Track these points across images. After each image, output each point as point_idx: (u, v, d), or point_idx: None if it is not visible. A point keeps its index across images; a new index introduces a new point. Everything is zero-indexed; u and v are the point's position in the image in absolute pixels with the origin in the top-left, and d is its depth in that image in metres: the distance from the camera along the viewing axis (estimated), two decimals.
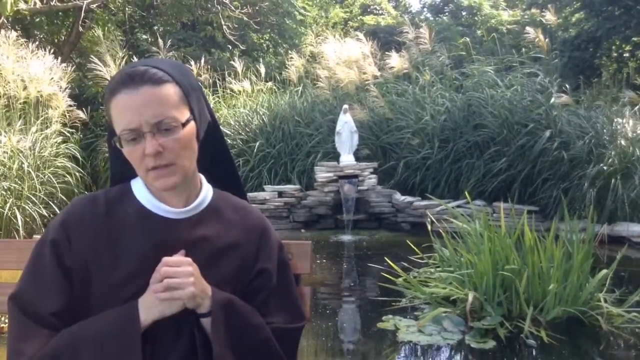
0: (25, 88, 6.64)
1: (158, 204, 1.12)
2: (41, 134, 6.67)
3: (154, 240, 1.10)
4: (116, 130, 1.06)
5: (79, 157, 7.40)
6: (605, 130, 6.76)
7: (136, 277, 1.07)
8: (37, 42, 7.19)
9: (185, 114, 1.07)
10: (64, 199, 6.39)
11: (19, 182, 5.95)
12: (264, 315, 1.15)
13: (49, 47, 7.49)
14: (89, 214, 1.11)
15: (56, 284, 1.06)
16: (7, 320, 3.47)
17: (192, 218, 1.14)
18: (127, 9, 11.41)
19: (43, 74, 6.79)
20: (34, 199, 5.96)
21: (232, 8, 10.79)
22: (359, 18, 20.23)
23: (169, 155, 1.05)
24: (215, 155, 1.24)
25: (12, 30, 6.99)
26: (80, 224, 1.09)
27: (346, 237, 6.72)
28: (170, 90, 1.06)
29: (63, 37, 11.12)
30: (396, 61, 8.55)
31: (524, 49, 8.88)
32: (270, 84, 9.66)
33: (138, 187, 1.15)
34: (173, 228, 1.11)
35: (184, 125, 1.06)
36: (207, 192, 1.18)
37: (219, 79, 9.34)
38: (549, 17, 8.17)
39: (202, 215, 1.15)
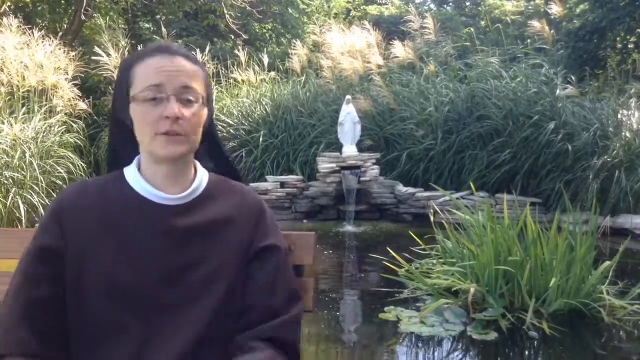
0: (24, 78, 6.62)
1: (152, 190, 1.11)
2: (44, 124, 6.66)
3: (149, 227, 1.09)
4: (134, 90, 1.08)
5: (82, 146, 7.40)
6: (610, 122, 6.73)
7: (131, 265, 1.06)
8: (39, 30, 7.14)
9: (204, 97, 1.12)
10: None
11: (21, 171, 5.94)
12: (264, 295, 1.12)
13: (51, 36, 7.44)
14: (82, 199, 1.10)
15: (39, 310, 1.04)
16: None
17: (188, 204, 1.13)
18: None
19: (47, 61, 6.77)
20: (36, 188, 5.96)
21: None
22: (362, 8, 20.11)
23: (185, 125, 1.07)
24: (210, 147, 1.25)
25: (14, 18, 6.95)
26: (73, 210, 1.08)
27: (348, 228, 6.72)
28: (199, 71, 1.12)
29: (65, 26, 11.08)
30: (400, 51, 8.50)
31: (528, 40, 8.83)
32: (273, 73, 9.62)
33: (131, 174, 1.14)
34: (169, 214, 1.10)
35: (203, 104, 1.11)
36: (202, 177, 1.18)
37: (221, 69, 9.31)
38: (553, 7, 8.11)
39: (197, 201, 1.14)
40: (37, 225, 1.12)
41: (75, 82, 7.51)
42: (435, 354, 3.09)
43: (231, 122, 8.58)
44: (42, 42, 6.97)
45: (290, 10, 14.58)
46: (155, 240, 1.08)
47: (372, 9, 19.76)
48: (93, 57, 8.00)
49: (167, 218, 1.10)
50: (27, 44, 6.79)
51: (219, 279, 1.11)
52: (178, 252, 1.09)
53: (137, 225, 1.09)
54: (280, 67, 9.80)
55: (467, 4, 21.49)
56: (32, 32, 6.96)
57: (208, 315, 1.08)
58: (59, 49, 7.19)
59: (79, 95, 7.49)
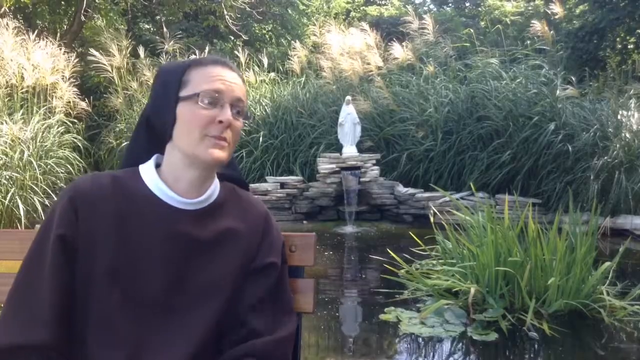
0: (22, 78, 6.62)
1: (167, 191, 1.11)
2: (43, 124, 6.66)
3: (158, 227, 1.09)
4: (189, 91, 1.11)
5: (82, 147, 7.40)
6: (609, 123, 6.73)
7: (134, 263, 1.06)
8: (38, 31, 7.14)
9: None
10: None
11: (20, 171, 5.94)
12: (256, 309, 1.13)
13: (51, 37, 7.44)
14: (96, 189, 1.10)
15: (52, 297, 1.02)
16: None
17: (199, 211, 1.13)
18: None
19: (45, 62, 6.77)
20: (35, 188, 5.96)
21: None
22: (361, 9, 20.12)
23: (231, 134, 1.12)
24: None
25: (14, 20, 6.95)
26: (88, 199, 1.08)
27: (348, 229, 6.72)
28: (245, 90, 1.19)
29: (65, 27, 11.09)
30: (400, 52, 8.51)
31: (528, 41, 8.83)
32: (273, 74, 9.62)
33: (147, 173, 1.14)
34: (179, 218, 1.11)
35: (245, 119, 1.17)
36: (215, 186, 1.19)
37: None
38: (554, 8, 8.11)
39: (208, 209, 1.15)
40: (37, 226, 1.11)
41: (75, 82, 7.51)
42: (436, 354, 3.09)
43: None
44: (40, 42, 6.96)
45: (290, 11, 14.59)
46: (162, 242, 1.08)
47: (372, 10, 19.77)
48: (93, 58, 8.00)
49: (177, 222, 1.10)
50: (25, 47, 6.78)
51: (219, 290, 1.11)
52: (183, 257, 1.10)
53: (146, 224, 1.09)
54: (280, 68, 9.80)
55: (467, 4, 21.49)
56: (29, 34, 6.96)
57: (206, 325, 1.09)
58: (59, 49, 7.19)
59: (77, 95, 7.48)
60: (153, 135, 1.16)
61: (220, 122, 1.09)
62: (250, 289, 1.14)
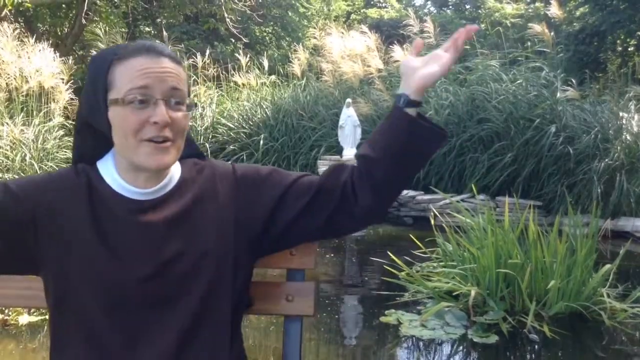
0: (26, 81, 6.63)
1: (126, 185, 1.07)
2: (44, 127, 6.67)
3: (129, 222, 1.05)
4: (116, 94, 1.01)
5: None
6: (610, 125, 6.73)
7: (113, 260, 1.03)
8: (39, 35, 7.15)
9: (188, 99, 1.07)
10: None
11: (21, 173, 5.95)
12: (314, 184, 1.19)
13: (52, 40, 7.45)
14: (72, 180, 1.07)
15: None
16: (10, 313, 3.45)
17: (164, 196, 1.09)
18: (130, 1, 11.38)
19: (46, 67, 6.77)
20: None
21: (236, 0, 10.76)
22: (362, 11, 20.16)
23: (174, 130, 1.02)
24: None
25: (15, 23, 6.96)
26: (63, 189, 1.06)
27: None
28: (183, 73, 1.06)
29: (66, 30, 11.11)
30: (400, 55, 8.51)
31: (528, 43, 8.84)
32: (273, 77, 9.64)
33: (105, 168, 1.10)
34: (146, 209, 1.07)
35: (188, 107, 1.05)
36: (175, 168, 1.13)
37: (222, 72, 9.33)
38: (554, 10, 8.12)
39: (173, 191, 1.10)
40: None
41: (74, 86, 7.52)
42: (436, 357, 3.09)
43: (232, 126, 8.59)
44: (40, 46, 6.96)
45: (290, 14, 14.62)
46: (137, 236, 1.05)
47: (372, 12, 19.81)
48: None
49: (145, 212, 1.06)
50: (25, 50, 6.78)
51: (205, 264, 1.08)
52: (161, 245, 1.06)
53: (115, 221, 1.05)
54: (281, 70, 9.83)
55: (467, 7, 21.54)
56: (29, 38, 6.96)
57: (195, 305, 1.06)
58: (57, 53, 7.19)
59: (75, 98, 7.49)
60: (98, 139, 1.08)
61: (155, 123, 0.99)
62: (298, 203, 1.15)
